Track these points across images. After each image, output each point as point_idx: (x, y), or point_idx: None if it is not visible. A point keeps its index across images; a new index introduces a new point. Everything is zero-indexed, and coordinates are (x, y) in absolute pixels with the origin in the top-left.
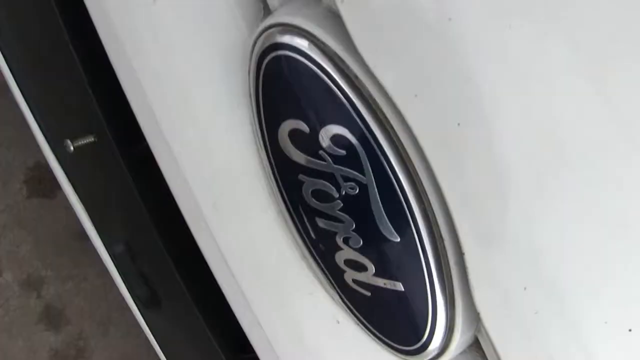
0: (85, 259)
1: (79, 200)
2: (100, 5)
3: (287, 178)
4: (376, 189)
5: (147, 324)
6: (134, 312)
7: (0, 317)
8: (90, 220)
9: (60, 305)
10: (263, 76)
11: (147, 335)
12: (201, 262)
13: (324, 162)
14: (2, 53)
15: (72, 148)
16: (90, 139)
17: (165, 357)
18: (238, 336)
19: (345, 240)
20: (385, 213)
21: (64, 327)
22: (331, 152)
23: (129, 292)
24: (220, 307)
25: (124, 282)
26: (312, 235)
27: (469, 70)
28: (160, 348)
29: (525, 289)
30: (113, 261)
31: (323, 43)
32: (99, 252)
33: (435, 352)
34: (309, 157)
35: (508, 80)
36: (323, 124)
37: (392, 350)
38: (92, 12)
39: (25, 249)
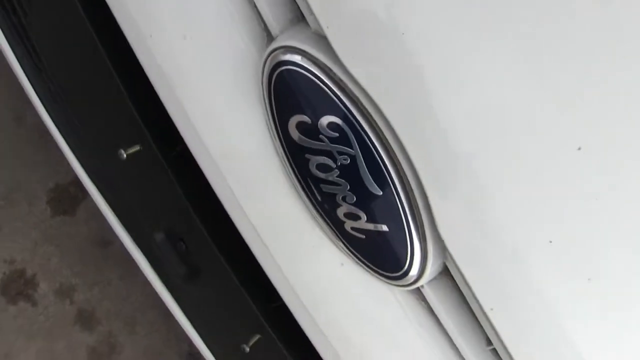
0: (107, 266)
1: (117, 203)
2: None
3: (296, 158)
4: (362, 158)
5: (179, 303)
6: (164, 298)
7: (42, 322)
8: (128, 220)
9: (90, 308)
10: (273, 86)
11: (178, 319)
12: (233, 234)
13: (323, 143)
14: (36, 80)
15: (124, 156)
16: (137, 147)
17: (199, 329)
18: (266, 289)
19: (343, 199)
20: (370, 175)
21: (96, 328)
22: (328, 135)
23: (163, 277)
24: (250, 266)
25: (157, 266)
26: (318, 198)
27: (421, 69)
28: (193, 321)
29: (476, 221)
30: (149, 249)
31: (315, 57)
32: (128, 249)
33: (415, 277)
34: (312, 141)
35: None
36: (320, 115)
37: (383, 279)
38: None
39: (55, 262)
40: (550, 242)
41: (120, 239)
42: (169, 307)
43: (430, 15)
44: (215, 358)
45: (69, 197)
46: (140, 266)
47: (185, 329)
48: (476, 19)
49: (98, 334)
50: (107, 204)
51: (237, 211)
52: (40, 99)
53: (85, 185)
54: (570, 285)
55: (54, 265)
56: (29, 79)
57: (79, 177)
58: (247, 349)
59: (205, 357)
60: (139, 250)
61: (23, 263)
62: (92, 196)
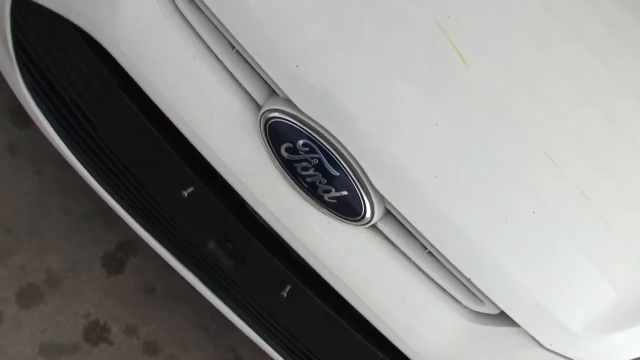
0: (157, 305)
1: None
2: (185, 127)
3: (288, 167)
4: (324, 158)
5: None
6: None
7: (119, 356)
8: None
9: (153, 339)
10: (267, 131)
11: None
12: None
13: (301, 155)
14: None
15: (186, 194)
16: (191, 188)
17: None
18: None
19: (320, 182)
20: (331, 165)
21: (160, 353)
22: (303, 150)
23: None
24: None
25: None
26: (306, 186)
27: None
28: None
29: (395, 179)
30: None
31: (287, 112)
32: (195, 285)
33: (369, 218)
34: (295, 156)
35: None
36: (296, 141)
37: (353, 223)
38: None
39: (118, 310)
40: (435, 176)
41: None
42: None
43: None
44: None
45: (116, 260)
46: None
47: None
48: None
49: (163, 357)
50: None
51: (263, 209)
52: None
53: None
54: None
55: (118, 312)
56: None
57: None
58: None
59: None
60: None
61: (96, 315)
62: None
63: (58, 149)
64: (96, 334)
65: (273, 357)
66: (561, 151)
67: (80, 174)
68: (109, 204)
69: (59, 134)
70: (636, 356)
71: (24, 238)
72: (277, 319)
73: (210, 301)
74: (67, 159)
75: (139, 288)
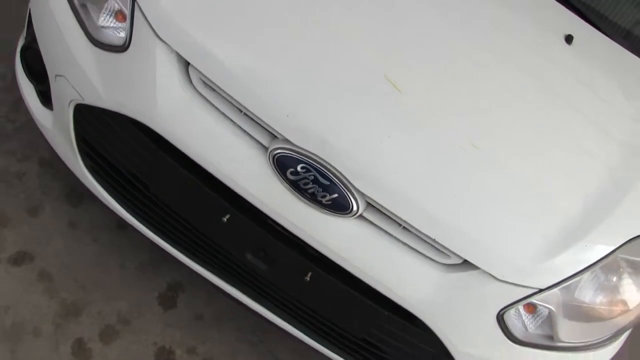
0: (208, 328)
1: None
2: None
3: (294, 185)
4: (317, 174)
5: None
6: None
7: None
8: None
9: (210, 356)
10: (275, 162)
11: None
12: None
13: (300, 175)
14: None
15: (225, 220)
16: (228, 215)
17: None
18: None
19: (317, 191)
20: (322, 179)
21: None
22: (301, 171)
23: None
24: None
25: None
26: (308, 196)
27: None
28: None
29: (364, 180)
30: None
31: (286, 148)
32: (237, 297)
33: (356, 210)
34: (296, 176)
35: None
36: (296, 166)
37: (345, 216)
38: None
39: (178, 336)
40: (394, 173)
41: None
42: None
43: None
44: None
45: (169, 298)
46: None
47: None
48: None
49: None
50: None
51: (281, 219)
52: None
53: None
54: None
55: (178, 338)
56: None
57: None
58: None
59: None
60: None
61: (162, 342)
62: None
63: (118, 212)
64: (165, 356)
65: (303, 340)
66: (483, 140)
67: (137, 228)
68: (163, 247)
69: (117, 201)
70: (573, 272)
71: (95, 291)
72: (305, 301)
73: (250, 306)
74: (125, 218)
75: (191, 316)
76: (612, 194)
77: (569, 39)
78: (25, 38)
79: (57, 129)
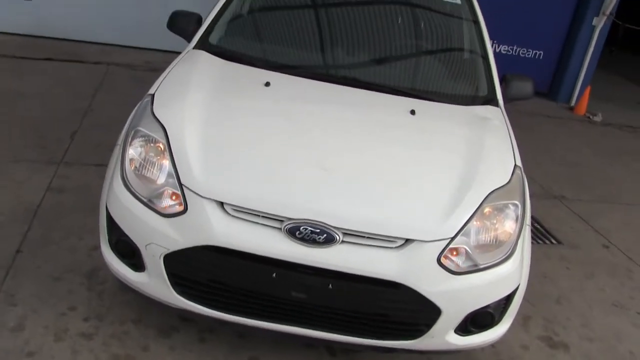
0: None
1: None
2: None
3: (301, 238)
4: (309, 228)
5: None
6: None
7: None
8: None
9: None
10: (288, 231)
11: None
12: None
13: (302, 232)
14: None
15: (274, 275)
16: (274, 272)
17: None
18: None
19: (315, 237)
20: (312, 228)
21: None
22: (302, 229)
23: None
24: None
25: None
26: (310, 241)
27: None
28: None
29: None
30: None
31: (290, 218)
32: (291, 332)
33: (340, 239)
34: (302, 234)
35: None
36: (300, 227)
37: (333, 245)
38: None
39: None
40: (343, 204)
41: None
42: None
43: None
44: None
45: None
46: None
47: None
48: None
49: None
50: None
51: (302, 260)
52: None
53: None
54: None
55: None
56: None
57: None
58: None
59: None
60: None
61: None
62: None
63: (208, 314)
64: None
65: (332, 338)
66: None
67: (221, 319)
68: (244, 323)
69: (209, 307)
70: (464, 222)
71: None
72: (335, 304)
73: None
74: (214, 316)
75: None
76: (468, 176)
77: (413, 112)
78: (110, 236)
79: (152, 279)
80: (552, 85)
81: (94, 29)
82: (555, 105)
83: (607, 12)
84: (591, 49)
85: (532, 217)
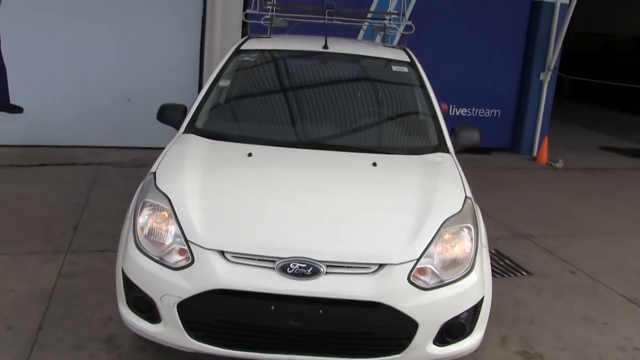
0: None
1: None
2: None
3: (293, 274)
4: (298, 264)
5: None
6: None
7: None
8: None
9: None
10: (281, 269)
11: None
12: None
13: (292, 268)
14: None
15: (273, 308)
16: (273, 305)
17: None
18: None
19: (303, 271)
20: (301, 264)
21: None
22: (292, 265)
23: None
24: None
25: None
26: (301, 275)
27: None
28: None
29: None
30: None
31: (282, 258)
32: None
33: (324, 271)
34: (293, 270)
35: None
36: (290, 264)
37: (319, 276)
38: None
39: None
40: (322, 238)
41: None
42: None
43: None
44: None
45: None
46: None
47: None
48: None
49: None
50: None
51: (296, 291)
52: None
53: None
54: None
55: None
56: None
57: None
58: None
59: None
60: None
61: None
62: None
63: (221, 353)
64: None
65: None
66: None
67: (230, 356)
68: (250, 357)
69: (219, 346)
70: (426, 245)
71: None
72: (325, 328)
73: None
74: (223, 354)
75: None
76: (426, 205)
77: (374, 164)
78: (127, 295)
79: (168, 327)
80: (514, 139)
81: (83, 134)
82: (519, 157)
83: (552, 67)
84: (543, 102)
85: (502, 254)
